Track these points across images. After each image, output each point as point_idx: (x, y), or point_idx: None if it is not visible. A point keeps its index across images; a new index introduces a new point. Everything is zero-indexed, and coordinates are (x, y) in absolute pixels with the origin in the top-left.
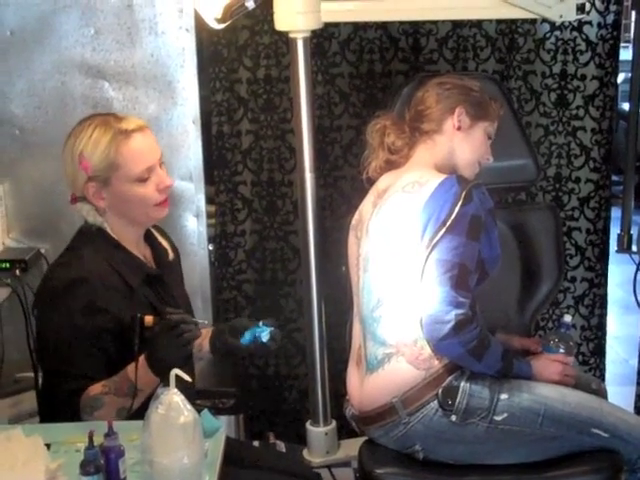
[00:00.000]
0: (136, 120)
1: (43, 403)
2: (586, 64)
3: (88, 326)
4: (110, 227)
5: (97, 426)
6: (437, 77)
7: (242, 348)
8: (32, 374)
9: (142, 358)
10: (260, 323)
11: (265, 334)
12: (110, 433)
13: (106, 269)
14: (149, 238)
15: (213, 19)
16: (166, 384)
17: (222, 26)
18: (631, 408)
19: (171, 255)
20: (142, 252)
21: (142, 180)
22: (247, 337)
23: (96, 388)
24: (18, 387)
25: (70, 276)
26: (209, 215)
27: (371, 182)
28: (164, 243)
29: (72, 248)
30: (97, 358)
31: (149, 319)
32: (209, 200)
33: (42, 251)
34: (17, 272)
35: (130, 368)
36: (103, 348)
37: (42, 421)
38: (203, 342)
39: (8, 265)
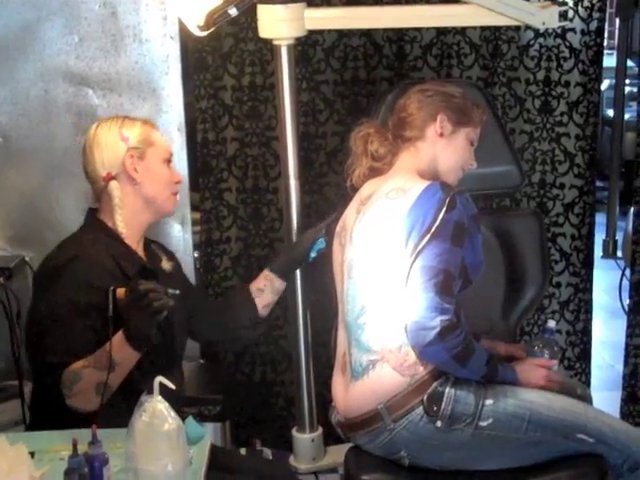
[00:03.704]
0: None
1: (33, 397)
2: (570, 71)
3: (82, 303)
4: (122, 215)
5: (81, 434)
6: (419, 84)
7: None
8: (17, 382)
9: (120, 332)
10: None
11: (321, 243)
12: (94, 441)
13: (104, 255)
14: (148, 248)
15: (196, 26)
16: (149, 386)
17: (205, 33)
18: (617, 413)
19: (168, 265)
20: (140, 252)
21: (167, 163)
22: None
23: (78, 364)
24: (3, 395)
25: (68, 255)
26: (194, 222)
27: (355, 189)
28: (161, 254)
29: (72, 236)
30: (85, 335)
31: (121, 291)
32: (194, 207)
33: (27, 259)
34: (1, 280)
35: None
36: (92, 327)
37: (33, 417)
38: (272, 286)
39: None
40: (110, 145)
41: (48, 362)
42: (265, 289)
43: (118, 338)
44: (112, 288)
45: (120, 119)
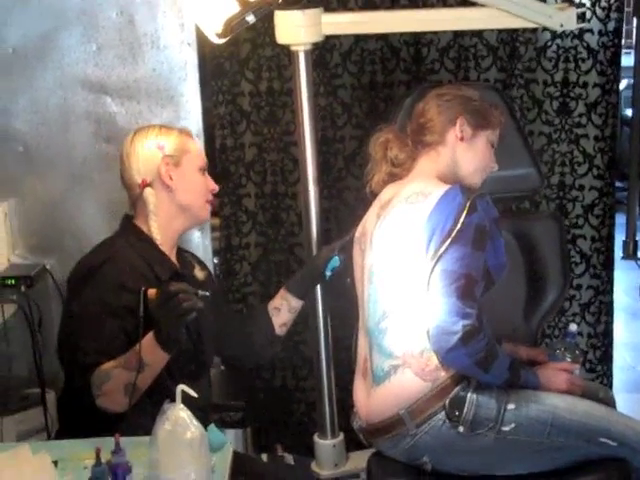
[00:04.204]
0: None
1: (61, 403)
2: (588, 72)
3: (114, 304)
4: (157, 222)
5: (104, 443)
6: (436, 88)
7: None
8: (39, 390)
9: (151, 333)
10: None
11: (336, 262)
12: (117, 450)
13: (138, 259)
14: (181, 255)
15: (214, 34)
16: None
17: (223, 41)
18: (639, 416)
19: (201, 274)
20: (173, 258)
21: (202, 171)
22: (329, 270)
23: (109, 364)
24: (25, 403)
25: (102, 257)
26: (213, 228)
27: (374, 195)
28: (195, 265)
29: (107, 239)
30: (117, 336)
31: (152, 292)
32: (213, 213)
33: (47, 267)
34: (23, 288)
35: (141, 343)
36: (124, 328)
37: (61, 423)
38: (289, 305)
39: (14, 281)
40: (146, 153)
41: (80, 362)
42: (282, 308)
43: (148, 339)
44: (143, 289)
45: (157, 127)
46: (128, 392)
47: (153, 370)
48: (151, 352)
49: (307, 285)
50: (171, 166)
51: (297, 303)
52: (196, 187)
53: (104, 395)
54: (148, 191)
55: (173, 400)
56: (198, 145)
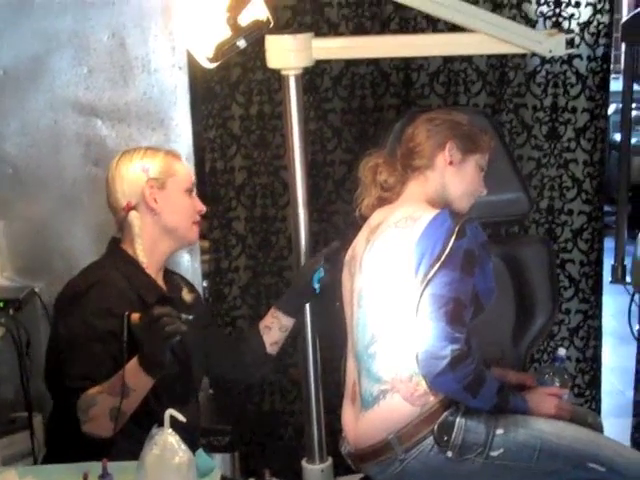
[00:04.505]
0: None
1: (49, 428)
2: (577, 97)
3: (100, 329)
4: (142, 245)
5: (92, 467)
6: (426, 113)
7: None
8: (26, 414)
9: (136, 358)
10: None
11: (320, 272)
12: (105, 474)
13: (124, 283)
14: (169, 278)
15: (205, 58)
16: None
17: (214, 65)
18: (627, 440)
19: (189, 297)
20: (160, 282)
21: (189, 193)
22: (316, 282)
23: (94, 389)
24: (12, 427)
25: (89, 281)
26: (203, 251)
27: (364, 219)
28: (183, 287)
29: (94, 263)
30: (104, 362)
31: (135, 316)
32: (203, 236)
33: (36, 290)
34: (11, 311)
35: (126, 368)
36: (111, 353)
37: (49, 448)
38: (280, 324)
39: (2, 304)
40: (131, 176)
41: (66, 387)
42: (272, 327)
43: (132, 364)
44: (127, 313)
45: (142, 150)
46: (113, 417)
47: (138, 395)
48: (136, 377)
49: (296, 301)
50: (155, 189)
51: (288, 321)
52: (182, 209)
53: (90, 420)
54: (133, 214)
55: (161, 425)
56: (185, 166)
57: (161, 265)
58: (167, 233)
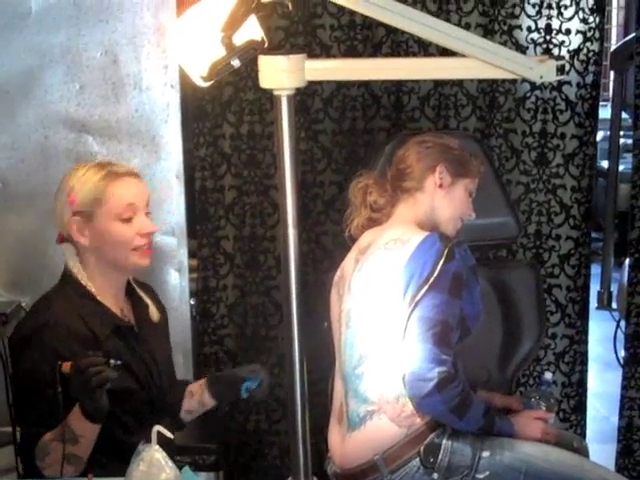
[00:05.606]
0: (131, 167)
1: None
2: (566, 123)
3: (48, 374)
4: (88, 273)
5: None
6: (418, 136)
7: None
8: (10, 429)
9: (78, 405)
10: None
11: (254, 383)
12: None
13: (74, 317)
14: (131, 294)
15: (199, 76)
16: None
17: (208, 84)
18: (612, 466)
19: (156, 315)
20: (119, 305)
21: (125, 220)
22: (244, 391)
23: (47, 436)
24: None
25: (37, 323)
26: (191, 269)
27: (353, 240)
28: (148, 302)
29: (45, 296)
30: (55, 406)
31: (66, 365)
32: (191, 254)
33: (23, 304)
34: None
35: (70, 415)
36: (62, 396)
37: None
38: (201, 397)
39: None
40: (58, 207)
41: (23, 432)
42: (195, 396)
43: (76, 411)
44: (59, 363)
45: (79, 171)
46: (75, 463)
47: (88, 440)
48: (80, 424)
49: (222, 390)
50: (81, 223)
51: (209, 400)
52: (114, 239)
53: (49, 467)
54: (64, 246)
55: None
56: (125, 188)
57: (117, 291)
58: (107, 264)
